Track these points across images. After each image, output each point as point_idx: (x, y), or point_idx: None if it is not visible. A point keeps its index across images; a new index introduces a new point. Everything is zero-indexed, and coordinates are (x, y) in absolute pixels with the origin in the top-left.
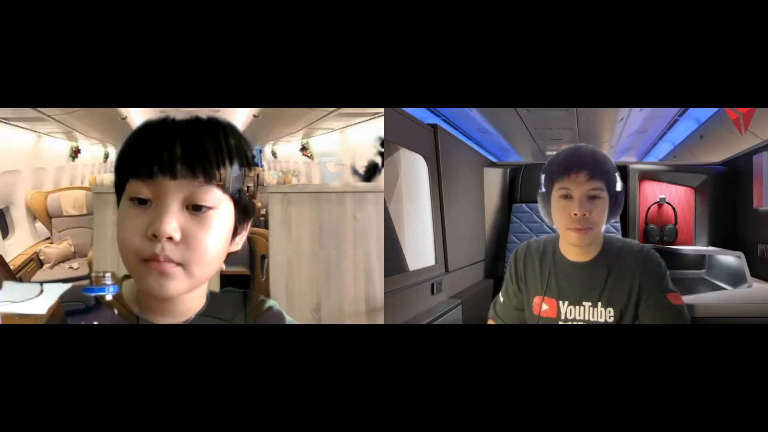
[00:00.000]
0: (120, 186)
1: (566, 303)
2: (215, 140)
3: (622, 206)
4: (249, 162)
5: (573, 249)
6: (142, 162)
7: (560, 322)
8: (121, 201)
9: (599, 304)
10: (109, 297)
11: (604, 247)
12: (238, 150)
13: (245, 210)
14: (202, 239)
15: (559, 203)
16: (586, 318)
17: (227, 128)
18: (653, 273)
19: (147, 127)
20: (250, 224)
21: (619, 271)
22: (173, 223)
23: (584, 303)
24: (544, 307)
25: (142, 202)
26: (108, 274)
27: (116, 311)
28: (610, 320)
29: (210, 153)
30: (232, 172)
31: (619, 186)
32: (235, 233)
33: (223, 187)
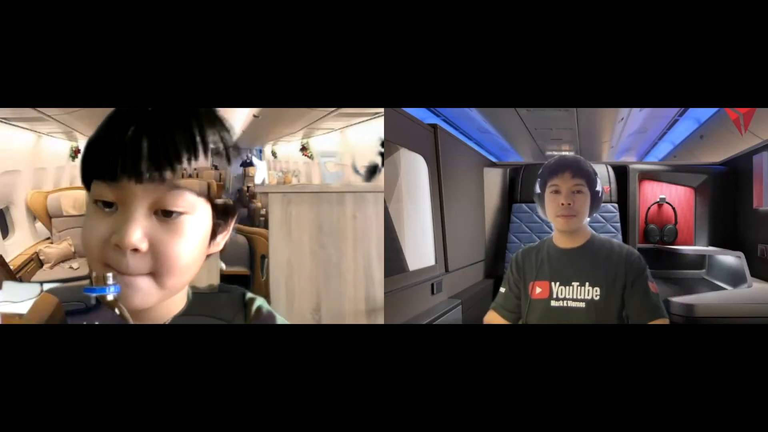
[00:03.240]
0: (87, 184)
1: (557, 283)
2: (187, 134)
3: (601, 202)
4: (228, 155)
5: (563, 237)
6: (104, 162)
7: (552, 301)
8: (87, 200)
9: (587, 283)
10: (110, 297)
11: (591, 238)
12: (215, 143)
13: (225, 209)
14: (172, 248)
15: (550, 197)
16: (575, 296)
17: (203, 117)
18: (636, 264)
19: (113, 119)
20: (233, 222)
21: (605, 257)
22: (137, 233)
23: (573, 283)
24: (538, 290)
25: (108, 205)
26: (109, 275)
27: (117, 311)
28: (597, 298)
29: (181, 150)
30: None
31: (598, 186)
32: (215, 234)
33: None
